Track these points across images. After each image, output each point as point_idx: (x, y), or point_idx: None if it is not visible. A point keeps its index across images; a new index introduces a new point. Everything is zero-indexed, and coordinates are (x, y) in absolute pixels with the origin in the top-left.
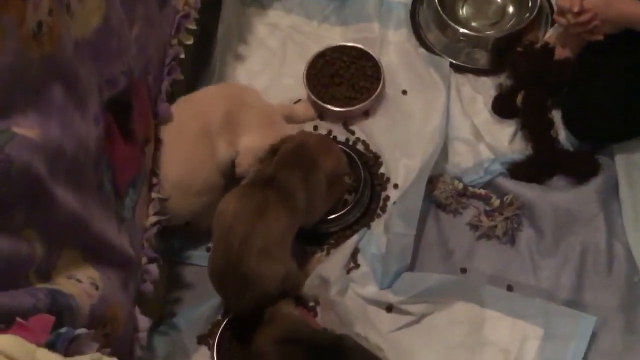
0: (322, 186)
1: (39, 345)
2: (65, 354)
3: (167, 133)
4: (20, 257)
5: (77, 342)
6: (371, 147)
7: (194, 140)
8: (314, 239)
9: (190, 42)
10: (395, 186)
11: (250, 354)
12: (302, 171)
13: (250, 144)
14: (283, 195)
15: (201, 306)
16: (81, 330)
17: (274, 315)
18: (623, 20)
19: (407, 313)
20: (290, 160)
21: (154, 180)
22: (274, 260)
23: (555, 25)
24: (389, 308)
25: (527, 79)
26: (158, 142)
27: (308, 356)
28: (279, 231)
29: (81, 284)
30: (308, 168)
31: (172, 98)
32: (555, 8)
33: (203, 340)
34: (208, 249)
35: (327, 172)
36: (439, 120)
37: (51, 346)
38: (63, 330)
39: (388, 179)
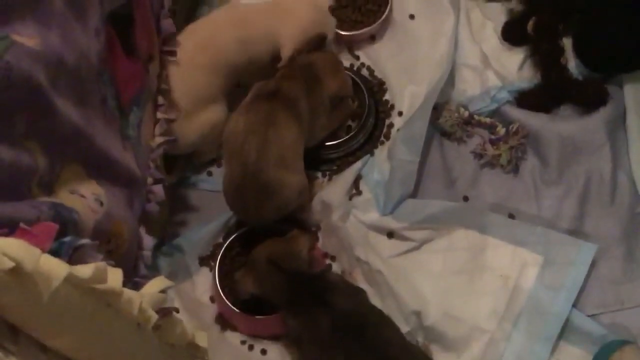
0: (324, 104)
1: (43, 250)
2: (69, 263)
3: (175, 65)
4: (21, 167)
5: (81, 252)
6: (376, 73)
7: (203, 73)
8: (317, 164)
9: None
10: (400, 114)
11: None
12: (305, 84)
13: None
14: (288, 104)
15: (203, 228)
16: (85, 240)
17: (293, 237)
18: None
19: (408, 239)
20: (294, 74)
21: (160, 100)
22: (291, 169)
23: None
24: (390, 234)
25: (538, 4)
26: (164, 62)
27: (289, 280)
28: (291, 139)
29: (85, 199)
30: (311, 83)
31: (173, 15)
32: None
33: (205, 261)
34: (209, 173)
35: (330, 93)
36: (447, 46)
37: (55, 254)
38: (67, 238)
39: (393, 106)
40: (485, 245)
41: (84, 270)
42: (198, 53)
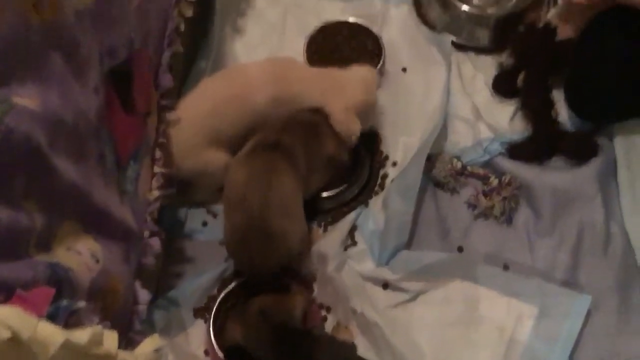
0: (321, 161)
1: (39, 317)
2: (65, 327)
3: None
4: (19, 228)
5: (77, 315)
6: (370, 124)
7: (226, 118)
8: (312, 215)
9: (190, 14)
10: (394, 164)
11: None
12: (304, 140)
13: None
14: (287, 156)
15: (198, 280)
16: (81, 304)
17: (291, 295)
18: (627, 3)
19: (403, 290)
20: (294, 129)
21: (157, 154)
22: (293, 218)
23: (558, 4)
24: (385, 285)
25: (528, 58)
26: (162, 117)
27: (275, 335)
28: (291, 188)
29: (81, 256)
30: (311, 140)
31: (171, 70)
32: None
33: (199, 313)
34: (204, 224)
35: (328, 154)
36: (439, 98)
37: (51, 318)
38: (63, 302)
39: (387, 157)
40: (481, 296)
41: (81, 336)
42: (228, 98)
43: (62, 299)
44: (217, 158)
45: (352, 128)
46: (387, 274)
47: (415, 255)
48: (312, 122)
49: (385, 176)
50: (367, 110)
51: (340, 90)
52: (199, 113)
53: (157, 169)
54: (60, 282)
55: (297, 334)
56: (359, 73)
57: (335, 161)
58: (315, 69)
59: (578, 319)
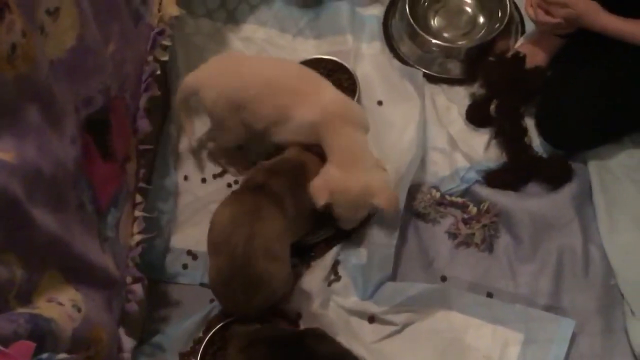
0: (309, 205)
1: None
2: None
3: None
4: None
5: None
6: None
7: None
8: (295, 251)
9: (165, 58)
10: None
11: None
12: (292, 183)
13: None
14: (274, 199)
15: (183, 324)
16: (62, 356)
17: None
18: (596, 29)
19: (389, 323)
20: (283, 171)
21: (138, 199)
22: (277, 260)
23: (526, 33)
24: (371, 319)
25: (499, 87)
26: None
27: (271, 353)
28: (276, 230)
29: (63, 306)
30: (299, 183)
31: (149, 113)
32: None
33: (185, 357)
34: (184, 266)
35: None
36: (415, 131)
37: None
38: (44, 356)
39: None
40: (467, 325)
41: None
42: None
43: (43, 352)
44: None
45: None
46: (372, 307)
47: (399, 287)
48: (300, 162)
49: None
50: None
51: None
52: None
53: (138, 213)
54: (42, 334)
55: (292, 341)
56: None
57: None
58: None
59: (563, 343)
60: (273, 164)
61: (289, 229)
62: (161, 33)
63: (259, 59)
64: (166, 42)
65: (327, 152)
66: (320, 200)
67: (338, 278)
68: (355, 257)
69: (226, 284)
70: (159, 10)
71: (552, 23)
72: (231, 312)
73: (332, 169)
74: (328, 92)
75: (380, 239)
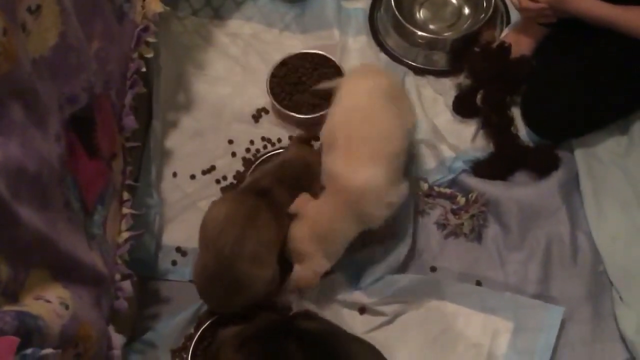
0: None
1: None
2: None
3: None
4: None
5: None
6: None
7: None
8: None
9: (150, 55)
10: None
11: None
12: (295, 192)
13: None
14: (274, 208)
15: (174, 320)
16: (47, 351)
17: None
18: (580, 15)
19: (380, 314)
20: (289, 178)
21: (125, 196)
22: (263, 265)
23: (511, 24)
24: (362, 310)
25: (485, 78)
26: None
27: (264, 346)
28: (268, 238)
29: (50, 304)
30: (301, 189)
31: (135, 112)
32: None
33: (177, 354)
34: (173, 263)
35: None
36: None
37: None
38: (29, 350)
39: None
40: (457, 314)
41: None
42: None
43: (28, 347)
44: None
45: None
46: (363, 298)
47: (390, 279)
48: (308, 172)
49: None
50: None
51: None
52: None
53: (125, 211)
54: (29, 330)
55: (284, 329)
56: None
57: None
58: None
59: (553, 330)
60: (279, 169)
61: (281, 236)
62: (145, 30)
63: None
64: (151, 39)
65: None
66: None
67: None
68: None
69: (210, 281)
70: (143, 7)
71: (536, 8)
72: (212, 308)
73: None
74: None
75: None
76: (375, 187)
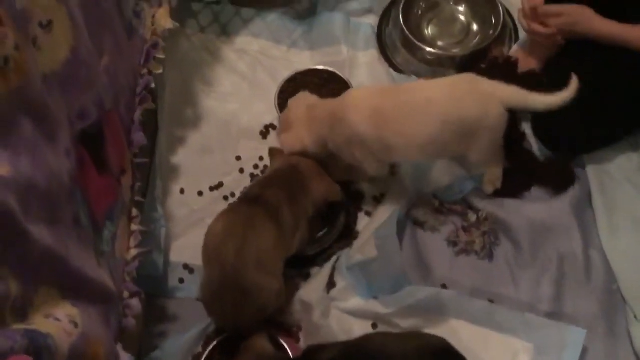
0: (307, 212)
1: None
2: None
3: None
4: None
5: None
6: None
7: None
8: (292, 263)
9: (159, 71)
10: (375, 198)
11: None
12: (290, 194)
13: None
14: (269, 210)
15: (181, 339)
16: None
17: (247, 347)
18: (591, 36)
19: (395, 326)
20: (278, 181)
21: (134, 212)
22: (269, 274)
23: (520, 40)
24: (375, 325)
25: None
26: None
27: None
28: (270, 243)
29: (60, 322)
30: (295, 190)
31: (144, 127)
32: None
33: None
34: (181, 280)
35: (317, 199)
36: None
37: None
38: None
39: (363, 196)
40: (476, 336)
41: None
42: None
43: None
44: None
45: None
46: (378, 307)
47: (409, 290)
48: (292, 166)
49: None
50: None
51: None
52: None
53: (134, 227)
54: (39, 349)
55: None
56: None
57: (329, 202)
58: None
59: (575, 352)
60: (267, 177)
61: (284, 241)
62: (155, 46)
63: None
64: (160, 55)
65: None
66: (296, 146)
67: (333, 284)
68: (347, 259)
69: (216, 295)
70: (153, 23)
71: (546, 33)
72: (221, 325)
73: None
74: None
75: (382, 232)
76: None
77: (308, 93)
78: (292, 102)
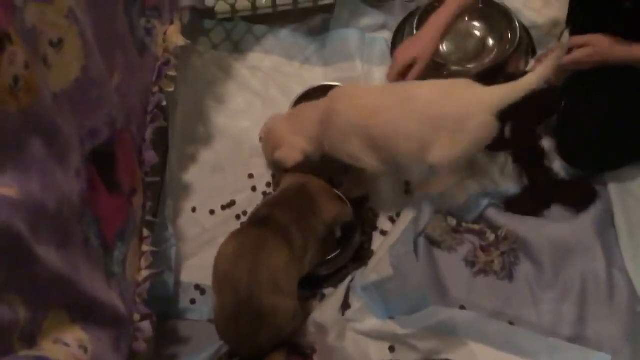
0: (317, 232)
1: None
2: None
3: None
4: (2, 323)
5: None
6: None
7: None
8: (306, 283)
9: (171, 89)
10: (390, 218)
11: None
12: (298, 214)
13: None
14: (279, 230)
15: None
16: None
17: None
18: (614, 61)
19: (413, 349)
20: (286, 201)
21: (145, 233)
22: (284, 295)
23: (537, 55)
24: (392, 348)
25: (512, 109)
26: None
27: None
28: (282, 263)
29: (69, 347)
30: (306, 212)
31: (155, 146)
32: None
33: None
34: (192, 301)
35: (328, 219)
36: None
37: None
38: None
39: (377, 214)
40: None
41: None
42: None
43: None
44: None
45: None
46: (395, 328)
47: (428, 310)
48: (300, 188)
49: (379, 233)
50: None
51: None
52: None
53: (145, 248)
54: None
55: None
56: None
57: (340, 222)
58: None
59: None
60: (275, 197)
61: (296, 261)
62: (166, 63)
63: None
64: (172, 73)
65: None
66: (295, 154)
67: (348, 305)
68: (362, 279)
69: (231, 320)
70: (164, 41)
71: (571, 61)
72: (237, 351)
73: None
74: None
75: (398, 250)
76: None
77: (279, 113)
78: (269, 124)
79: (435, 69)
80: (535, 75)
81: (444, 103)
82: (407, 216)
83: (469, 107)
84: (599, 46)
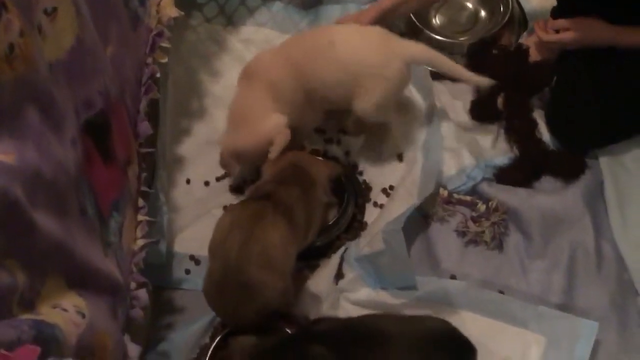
0: (320, 201)
1: None
2: None
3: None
4: (1, 287)
5: None
6: (351, 157)
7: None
8: (301, 253)
9: (165, 60)
10: (384, 190)
11: None
12: (301, 189)
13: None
14: (282, 208)
15: (188, 330)
16: None
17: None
18: (600, 43)
19: None
20: (291, 180)
21: (141, 202)
22: (274, 272)
23: (529, 28)
24: None
25: (505, 81)
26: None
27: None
28: (278, 239)
29: (67, 313)
30: (307, 185)
31: (149, 118)
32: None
33: None
34: (187, 271)
35: (323, 181)
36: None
37: None
38: None
39: (370, 187)
40: (486, 327)
41: None
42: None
43: (49, 357)
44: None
45: None
46: (388, 298)
47: (419, 280)
48: (298, 167)
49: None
50: None
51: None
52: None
53: (140, 218)
54: (46, 340)
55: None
56: None
57: (333, 178)
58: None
59: (587, 346)
60: (278, 175)
61: (295, 241)
62: (160, 35)
63: None
64: (165, 44)
65: None
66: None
67: (342, 275)
68: (356, 250)
69: (217, 290)
70: (157, 12)
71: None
72: (222, 319)
73: (225, 137)
74: None
75: (390, 225)
76: None
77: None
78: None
79: (428, 42)
80: (458, 70)
81: (361, 50)
82: (402, 192)
83: (386, 54)
84: (584, 30)
